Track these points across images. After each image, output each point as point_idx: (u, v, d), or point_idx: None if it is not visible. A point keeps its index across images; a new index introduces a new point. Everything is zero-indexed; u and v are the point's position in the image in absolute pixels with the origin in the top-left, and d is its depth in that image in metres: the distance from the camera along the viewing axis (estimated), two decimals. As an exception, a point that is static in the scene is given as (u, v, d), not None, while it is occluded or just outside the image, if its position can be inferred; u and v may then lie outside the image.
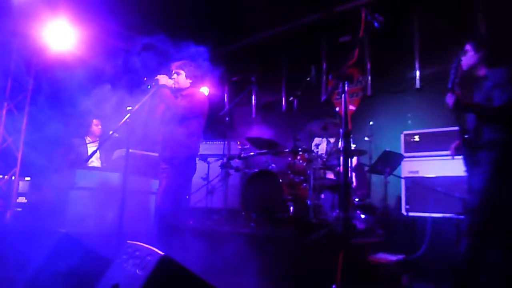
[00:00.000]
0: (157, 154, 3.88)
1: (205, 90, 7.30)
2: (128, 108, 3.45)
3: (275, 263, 3.32)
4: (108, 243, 3.41)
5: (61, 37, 5.63)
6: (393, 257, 3.81)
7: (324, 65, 6.65)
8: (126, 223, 4.00)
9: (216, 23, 7.03)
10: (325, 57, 6.67)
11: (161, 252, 1.56)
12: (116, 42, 6.56)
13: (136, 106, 3.44)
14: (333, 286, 1.35)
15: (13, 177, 5.37)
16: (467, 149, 2.75)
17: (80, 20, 5.80)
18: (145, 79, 3.58)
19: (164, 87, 3.57)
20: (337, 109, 6.48)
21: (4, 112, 5.25)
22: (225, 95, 7.89)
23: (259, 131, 6.55)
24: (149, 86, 3.58)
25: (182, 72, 3.76)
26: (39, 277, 2.15)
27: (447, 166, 4.22)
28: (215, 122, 6.15)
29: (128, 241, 1.92)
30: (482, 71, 2.84)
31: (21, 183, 6.44)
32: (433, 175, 4.39)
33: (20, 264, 2.20)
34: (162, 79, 3.59)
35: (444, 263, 3.71)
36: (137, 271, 1.58)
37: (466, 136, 2.77)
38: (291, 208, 4.31)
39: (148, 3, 6.20)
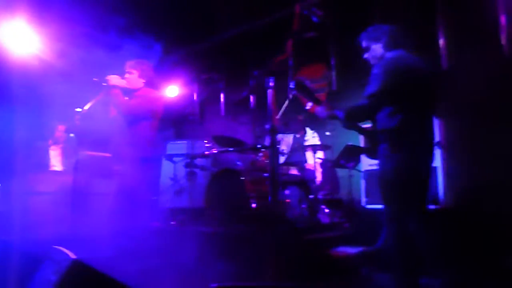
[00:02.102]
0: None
1: (174, 89, 7.28)
2: (77, 110, 3.41)
3: (232, 260, 3.30)
4: (67, 248, 3.37)
5: (21, 39, 5.47)
6: (353, 250, 3.84)
7: (290, 62, 6.64)
8: (87, 226, 3.95)
9: (184, 22, 6.98)
10: (290, 53, 6.67)
11: (73, 256, 1.53)
12: (82, 41, 6.40)
13: (85, 108, 3.40)
14: (212, 285, 1.33)
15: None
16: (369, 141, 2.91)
17: (41, 21, 5.66)
18: (95, 79, 3.53)
19: (115, 88, 3.53)
20: (309, 106, 6.50)
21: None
22: (195, 93, 7.83)
23: (228, 129, 6.53)
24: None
25: (134, 71, 3.71)
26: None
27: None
28: (183, 121, 6.13)
29: (54, 246, 1.88)
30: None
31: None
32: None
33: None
34: (113, 79, 3.55)
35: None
36: (52, 276, 1.55)
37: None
38: (253, 205, 4.32)
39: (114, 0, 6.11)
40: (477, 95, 4.56)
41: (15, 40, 5.36)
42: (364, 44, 2.87)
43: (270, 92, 1.89)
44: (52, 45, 5.63)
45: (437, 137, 4.16)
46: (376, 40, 2.78)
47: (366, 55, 2.88)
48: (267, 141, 4.77)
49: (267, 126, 1.83)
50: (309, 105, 2.80)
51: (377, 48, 2.79)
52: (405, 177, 2.59)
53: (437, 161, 4.09)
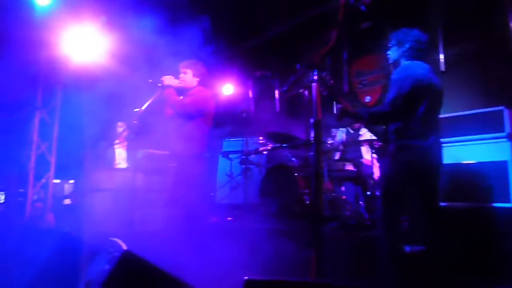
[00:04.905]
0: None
1: (229, 87, 7.40)
2: (135, 110, 3.59)
3: (283, 255, 3.30)
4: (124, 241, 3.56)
5: (85, 46, 5.83)
6: (415, 248, 3.67)
7: (345, 54, 6.48)
8: (147, 222, 4.14)
9: (236, 19, 7.06)
10: (346, 45, 6.49)
11: (125, 247, 1.61)
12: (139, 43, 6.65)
13: (143, 108, 3.56)
14: (245, 277, 1.31)
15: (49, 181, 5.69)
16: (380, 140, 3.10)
17: (106, 28, 5.99)
18: (150, 80, 3.69)
19: (169, 87, 3.66)
20: (368, 98, 6.31)
21: (37, 120, 5.58)
22: (250, 90, 7.88)
23: (283, 125, 6.52)
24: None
25: (188, 71, 3.82)
26: (40, 275, 2.28)
27: (467, 152, 3.98)
28: (237, 118, 6.21)
29: (111, 238, 1.99)
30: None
31: (66, 185, 6.86)
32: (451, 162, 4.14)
33: (23, 263, 2.34)
34: (167, 79, 3.69)
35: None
36: (106, 266, 1.64)
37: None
38: (307, 202, 4.28)
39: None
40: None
41: (81, 45, 5.74)
42: (391, 42, 3.03)
43: (314, 85, 1.85)
44: (114, 49, 5.94)
45: (507, 129, 3.86)
46: (399, 44, 2.96)
47: (388, 52, 3.08)
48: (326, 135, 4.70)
49: (311, 120, 1.80)
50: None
51: (396, 51, 2.98)
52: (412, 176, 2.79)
53: (507, 155, 3.78)
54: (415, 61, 2.90)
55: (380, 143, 3.13)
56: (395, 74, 2.87)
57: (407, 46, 2.91)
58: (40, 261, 2.38)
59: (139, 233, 3.59)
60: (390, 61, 3.08)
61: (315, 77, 1.87)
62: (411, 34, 2.93)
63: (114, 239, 1.89)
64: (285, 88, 1.99)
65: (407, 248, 3.50)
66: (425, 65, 2.89)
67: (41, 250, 2.26)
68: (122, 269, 1.51)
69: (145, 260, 1.56)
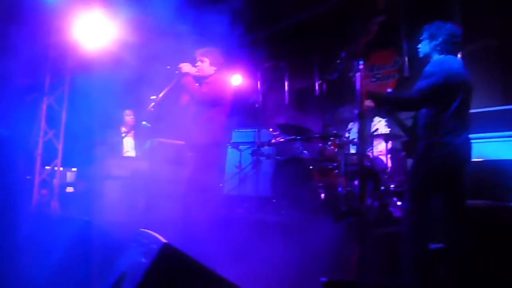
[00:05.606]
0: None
1: (237, 77, 7.29)
2: (152, 97, 3.50)
3: (299, 250, 3.23)
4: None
5: (95, 32, 5.67)
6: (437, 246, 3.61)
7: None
8: (157, 212, 4.06)
9: (248, 9, 6.93)
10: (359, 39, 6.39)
11: (164, 240, 1.53)
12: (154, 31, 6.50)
13: (160, 95, 3.47)
14: (322, 279, 1.25)
15: (56, 168, 5.59)
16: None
17: (116, 15, 5.83)
18: (168, 67, 3.59)
19: (186, 75, 3.57)
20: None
21: (44, 106, 5.46)
22: (258, 82, 7.77)
23: (292, 117, 6.43)
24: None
25: (206, 59, 3.73)
26: (61, 264, 2.21)
27: (487, 149, 3.93)
28: (247, 109, 6.12)
29: (141, 229, 1.91)
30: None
31: (68, 173, 6.75)
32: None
33: (43, 251, 2.27)
34: (185, 67, 3.59)
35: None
36: (143, 259, 1.57)
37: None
38: (322, 196, 4.21)
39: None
40: None
41: (90, 31, 5.59)
42: (422, 35, 2.94)
43: (358, 75, 1.77)
44: (126, 34, 5.79)
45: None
46: (431, 37, 2.86)
47: (419, 46, 2.98)
48: (334, 129, 4.62)
49: (356, 112, 1.72)
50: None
51: (428, 45, 2.88)
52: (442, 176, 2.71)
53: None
54: (449, 56, 2.81)
55: (406, 139, 3.04)
56: (429, 67, 2.78)
57: (440, 39, 2.81)
58: (56, 249, 2.31)
59: (153, 223, 3.51)
60: (421, 55, 2.98)
61: (360, 67, 1.79)
62: (445, 27, 2.83)
63: (147, 230, 1.82)
64: (334, 76, 1.90)
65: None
66: (459, 60, 2.82)
67: (55, 238, 2.19)
68: (163, 264, 1.44)
69: (186, 254, 1.49)
